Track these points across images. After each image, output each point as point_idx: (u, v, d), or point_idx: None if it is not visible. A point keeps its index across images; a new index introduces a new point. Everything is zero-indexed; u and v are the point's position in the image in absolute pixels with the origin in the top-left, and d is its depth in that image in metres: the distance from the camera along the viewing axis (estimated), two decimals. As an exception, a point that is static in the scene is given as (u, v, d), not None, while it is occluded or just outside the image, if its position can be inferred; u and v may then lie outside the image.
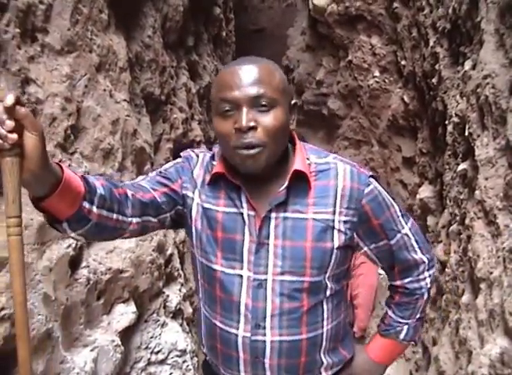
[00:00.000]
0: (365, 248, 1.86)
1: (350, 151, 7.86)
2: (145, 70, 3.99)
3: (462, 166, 3.82)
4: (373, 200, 1.76)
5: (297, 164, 1.71)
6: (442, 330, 3.96)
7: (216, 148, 1.86)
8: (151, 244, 3.32)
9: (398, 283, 1.97)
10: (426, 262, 1.92)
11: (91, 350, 2.66)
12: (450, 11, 4.46)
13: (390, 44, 6.93)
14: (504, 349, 2.42)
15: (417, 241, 1.88)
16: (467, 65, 3.88)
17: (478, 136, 3.39)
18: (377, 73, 7.17)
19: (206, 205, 1.77)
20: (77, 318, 2.61)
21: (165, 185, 1.77)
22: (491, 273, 2.84)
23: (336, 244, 1.72)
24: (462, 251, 3.66)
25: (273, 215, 1.71)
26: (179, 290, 3.83)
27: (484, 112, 3.24)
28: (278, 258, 1.71)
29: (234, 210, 1.74)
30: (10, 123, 1.18)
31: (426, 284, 1.95)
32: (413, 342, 2.07)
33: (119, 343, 2.86)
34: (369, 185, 1.75)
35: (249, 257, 1.72)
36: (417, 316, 2.00)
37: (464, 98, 3.85)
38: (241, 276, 1.74)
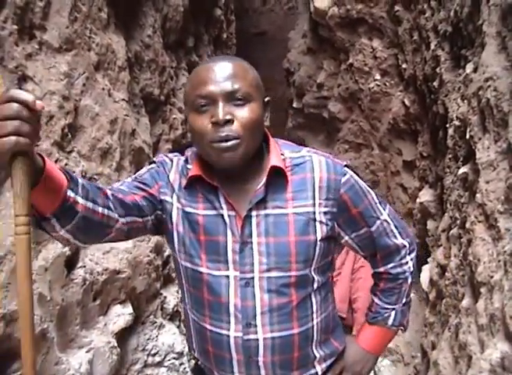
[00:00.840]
0: (346, 238, 1.88)
1: (351, 154, 7.85)
2: (144, 70, 3.98)
3: (463, 170, 3.80)
4: (350, 189, 1.78)
5: (273, 160, 1.73)
6: (442, 334, 3.93)
7: (189, 152, 1.87)
8: (149, 245, 3.31)
9: (381, 269, 2.00)
10: (407, 246, 1.96)
11: (87, 351, 2.64)
12: (452, 14, 4.44)
13: (391, 47, 6.92)
14: (505, 354, 2.39)
15: (396, 226, 1.92)
16: (469, 68, 3.86)
17: (479, 139, 3.37)
18: (378, 76, 7.16)
19: (187, 209, 1.77)
20: (73, 319, 2.59)
21: (143, 190, 1.76)
22: (491, 277, 2.82)
23: (319, 236, 1.74)
24: (462, 255, 3.64)
25: (254, 213, 1.72)
26: (177, 291, 3.81)
27: (485, 115, 3.22)
28: (263, 255, 1.72)
29: (214, 212, 1.75)
30: (39, 125, 1.19)
31: (409, 268, 1.99)
32: (401, 327, 2.09)
33: (115, 344, 2.84)
34: (345, 175, 1.78)
35: (234, 257, 1.73)
36: (403, 300, 2.04)
37: (465, 101, 3.83)
38: (228, 276, 1.74)
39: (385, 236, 1.90)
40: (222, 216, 1.73)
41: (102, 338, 2.76)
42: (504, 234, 2.74)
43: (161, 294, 3.53)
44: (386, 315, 2.03)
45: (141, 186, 1.76)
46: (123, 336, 3.05)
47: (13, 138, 1.14)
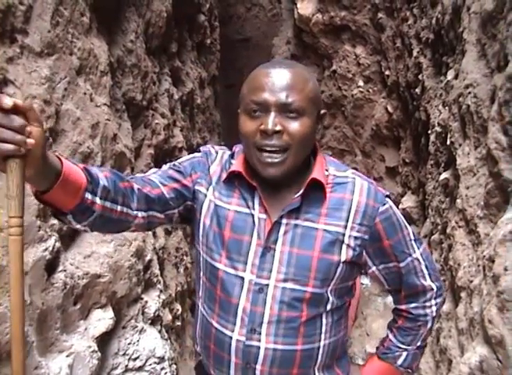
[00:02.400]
0: (373, 268, 1.84)
1: (334, 160, 7.88)
2: (127, 75, 3.96)
3: (444, 176, 3.83)
4: (386, 220, 1.74)
5: (315, 173, 1.70)
6: (423, 339, 3.95)
7: (237, 148, 1.86)
8: (130, 249, 3.29)
9: (403, 307, 1.96)
10: (434, 289, 1.91)
11: (67, 356, 2.62)
12: (434, 22, 4.49)
13: (374, 54, 6.97)
14: (483, 357, 2.41)
15: (427, 267, 1.87)
16: (450, 74, 3.89)
17: (460, 145, 3.40)
18: (361, 83, 7.20)
19: (218, 203, 1.77)
20: (53, 323, 2.57)
21: (176, 180, 1.77)
22: (471, 281, 2.84)
23: (343, 258, 1.70)
24: (443, 260, 3.66)
25: (284, 221, 1.70)
26: (158, 296, 3.79)
27: (465, 122, 3.25)
28: (283, 264, 1.69)
29: (245, 211, 1.74)
30: (29, 130, 1.19)
31: (431, 312, 1.94)
32: (409, 370, 2.04)
33: (96, 349, 2.82)
34: (385, 204, 1.74)
35: (254, 260, 1.71)
36: (418, 343, 1.99)
37: (446, 108, 3.87)
38: (243, 278, 1.72)
39: (413, 274, 1.85)
40: (253, 216, 1.72)
41: (83, 342, 2.74)
42: (483, 239, 2.77)
43: (142, 298, 3.51)
44: (397, 354, 1.99)
45: (176, 176, 1.77)
46: (104, 340, 3.02)
47: None
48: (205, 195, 1.79)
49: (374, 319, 5.96)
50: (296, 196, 1.68)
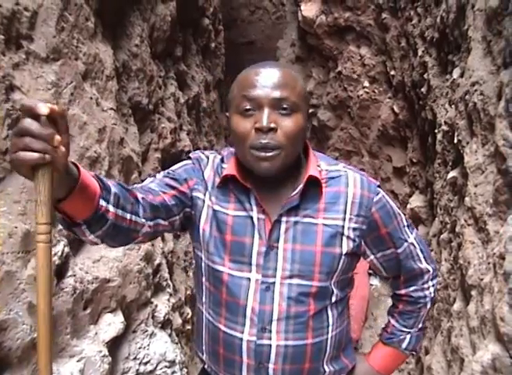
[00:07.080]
0: (372, 257, 1.89)
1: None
2: (132, 79, 3.97)
3: (452, 174, 3.82)
4: (382, 208, 1.79)
5: (311, 170, 1.73)
6: (435, 339, 3.94)
7: (225, 152, 1.88)
8: (139, 253, 3.29)
9: (403, 291, 2.01)
10: (430, 271, 1.97)
11: (78, 361, 2.62)
12: (438, 20, 4.48)
13: (379, 54, 6.96)
14: (496, 355, 2.39)
15: (422, 251, 1.93)
16: (456, 73, 3.88)
17: (467, 143, 3.38)
18: (366, 84, 7.19)
19: (216, 208, 1.78)
20: (63, 328, 2.57)
21: (174, 187, 1.77)
22: (481, 279, 2.82)
23: (345, 250, 1.74)
24: (453, 259, 3.65)
25: (284, 219, 1.73)
26: (168, 300, 3.79)
27: (472, 119, 3.24)
28: (287, 261, 1.72)
29: (244, 213, 1.75)
30: (58, 139, 1.15)
31: (430, 293, 1.99)
32: (414, 352, 2.09)
33: (107, 353, 2.81)
34: (378, 194, 1.79)
35: (258, 260, 1.73)
36: (420, 325, 2.04)
37: (453, 106, 3.85)
38: (249, 279, 1.74)
39: (410, 259, 1.90)
40: (252, 217, 1.74)
41: (93, 347, 2.74)
42: (493, 237, 2.75)
43: (152, 302, 3.51)
44: (402, 337, 2.03)
45: (172, 183, 1.77)
46: (114, 345, 3.02)
47: (21, 154, 1.13)
48: (203, 201, 1.80)
49: (384, 320, 5.93)
50: (294, 193, 1.71)
